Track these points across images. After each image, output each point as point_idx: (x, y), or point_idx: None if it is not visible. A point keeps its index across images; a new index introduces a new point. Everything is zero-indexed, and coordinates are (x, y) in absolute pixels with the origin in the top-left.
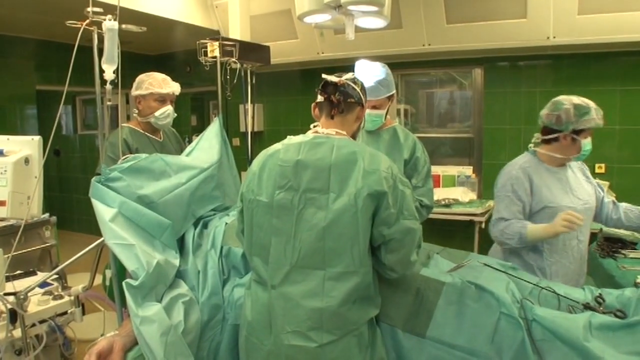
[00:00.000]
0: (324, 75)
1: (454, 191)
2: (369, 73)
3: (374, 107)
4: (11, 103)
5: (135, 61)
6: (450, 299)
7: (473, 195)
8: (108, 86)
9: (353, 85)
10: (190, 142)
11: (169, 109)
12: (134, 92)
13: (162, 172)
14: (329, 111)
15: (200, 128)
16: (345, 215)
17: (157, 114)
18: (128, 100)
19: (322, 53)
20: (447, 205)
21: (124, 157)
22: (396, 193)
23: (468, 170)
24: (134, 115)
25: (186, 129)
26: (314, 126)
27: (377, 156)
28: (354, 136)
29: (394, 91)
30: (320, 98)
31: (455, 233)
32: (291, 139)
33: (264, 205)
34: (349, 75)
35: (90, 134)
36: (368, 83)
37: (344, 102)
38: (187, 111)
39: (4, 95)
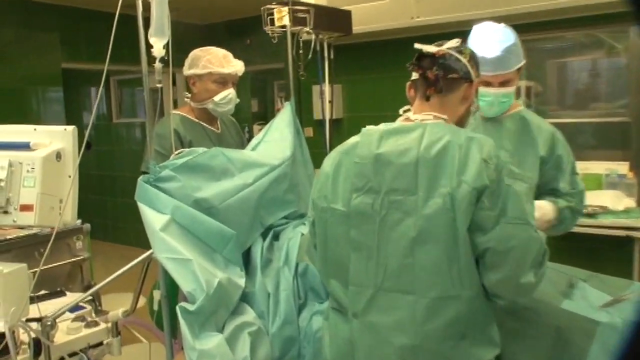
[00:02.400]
0: (417, 45)
1: (602, 196)
2: (494, 39)
3: (502, 84)
4: (32, 84)
5: (181, 32)
6: (606, 345)
7: (630, 202)
8: (158, 64)
9: (457, 55)
10: (250, 132)
11: (230, 92)
12: (188, 70)
13: (223, 170)
14: (424, 91)
15: (262, 115)
16: (439, 221)
17: (216, 98)
18: (175, 81)
19: (418, 17)
20: (591, 215)
21: (177, 151)
22: (499, 188)
23: (622, 168)
24: (186, 99)
25: (245, 116)
26: (404, 111)
27: (476, 141)
28: (460, 123)
29: (524, 61)
30: (415, 75)
31: (605, 253)
32: (370, 130)
33: (340, 215)
34: (453, 42)
35: (127, 122)
36: (493, 52)
37: (444, 78)
38: (247, 94)
39: (24, 75)
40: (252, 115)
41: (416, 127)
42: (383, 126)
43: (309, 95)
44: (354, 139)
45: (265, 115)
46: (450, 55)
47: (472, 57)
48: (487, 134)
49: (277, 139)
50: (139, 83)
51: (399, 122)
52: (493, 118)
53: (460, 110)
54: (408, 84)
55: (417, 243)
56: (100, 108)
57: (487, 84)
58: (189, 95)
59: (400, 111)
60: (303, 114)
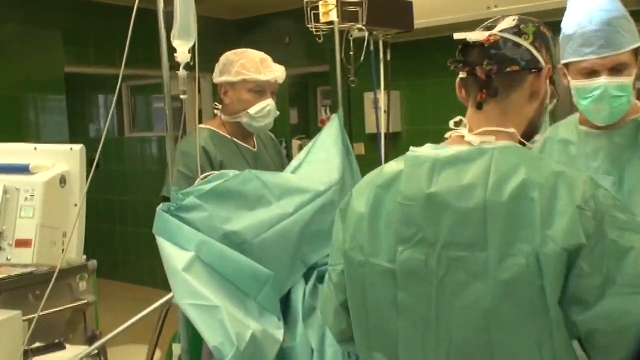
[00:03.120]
0: (458, 36)
1: None
2: (596, 6)
3: (613, 71)
4: (29, 91)
5: (209, 29)
6: None
7: None
8: (182, 72)
9: (515, 39)
10: (288, 149)
11: (269, 104)
12: (219, 77)
13: (259, 197)
14: (476, 95)
15: (302, 128)
16: (521, 290)
17: (251, 111)
18: (200, 89)
19: (496, 7)
20: None
21: (205, 174)
22: (602, 245)
23: None
24: (216, 111)
25: (283, 129)
26: (456, 123)
27: (564, 178)
28: (532, 129)
29: None
30: (462, 72)
31: None
32: (417, 153)
33: (383, 272)
34: (508, 21)
35: (142, 136)
36: (596, 23)
37: (500, 73)
38: (284, 103)
39: (20, 80)
40: (291, 128)
41: (477, 154)
42: (432, 150)
43: (361, 104)
44: (394, 168)
45: (307, 129)
46: (505, 41)
47: (539, 36)
48: (581, 153)
49: (322, 160)
50: (156, 90)
51: (453, 147)
52: (597, 130)
53: (529, 112)
54: (458, 81)
55: (493, 317)
56: (110, 119)
57: (590, 73)
58: (219, 106)
59: (451, 123)
60: (353, 127)
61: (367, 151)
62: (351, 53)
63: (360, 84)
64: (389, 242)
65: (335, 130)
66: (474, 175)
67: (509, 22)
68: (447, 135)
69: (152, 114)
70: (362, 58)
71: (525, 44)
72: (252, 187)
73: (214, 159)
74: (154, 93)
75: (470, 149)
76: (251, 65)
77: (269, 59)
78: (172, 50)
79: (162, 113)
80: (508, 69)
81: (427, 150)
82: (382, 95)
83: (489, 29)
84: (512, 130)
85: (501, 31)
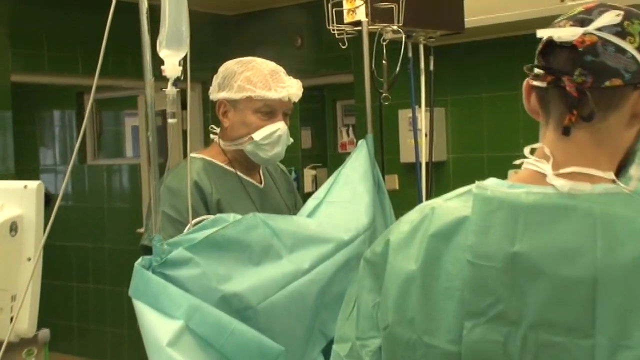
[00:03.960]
0: (541, 32)
1: None
2: None
3: None
4: None
5: (199, 27)
6: None
7: None
8: (171, 89)
9: (617, 41)
10: (298, 181)
11: (280, 128)
12: (217, 93)
13: (266, 249)
14: (560, 116)
15: (318, 154)
16: None
17: (258, 136)
18: (185, 104)
19: (572, 0)
20: None
21: (198, 219)
22: None
23: None
24: (212, 136)
25: (292, 155)
26: (532, 150)
27: None
28: (628, 159)
29: None
30: (538, 82)
31: None
32: (487, 192)
33: (442, 356)
34: (609, 16)
35: (110, 164)
36: None
37: (596, 88)
38: (294, 121)
39: None
40: (302, 154)
41: (573, 203)
42: (504, 189)
43: (394, 125)
44: (454, 210)
45: (323, 155)
46: (605, 43)
47: None
48: None
49: (347, 199)
50: (128, 104)
51: (532, 187)
52: None
53: (626, 140)
54: (526, 86)
55: None
56: (66, 142)
57: None
58: (216, 129)
59: (526, 151)
60: (385, 153)
61: (402, 186)
62: (384, 61)
63: (393, 99)
64: (451, 315)
65: (363, 161)
66: (575, 234)
67: (611, 17)
68: (518, 162)
69: (122, 134)
70: (398, 67)
71: (630, 48)
72: (257, 235)
73: (209, 197)
74: (125, 107)
75: (560, 195)
76: (258, 78)
77: (281, 70)
78: (156, 59)
79: (136, 133)
80: (607, 83)
81: (499, 188)
82: (422, 114)
83: (582, 23)
84: (611, 175)
85: (599, 29)
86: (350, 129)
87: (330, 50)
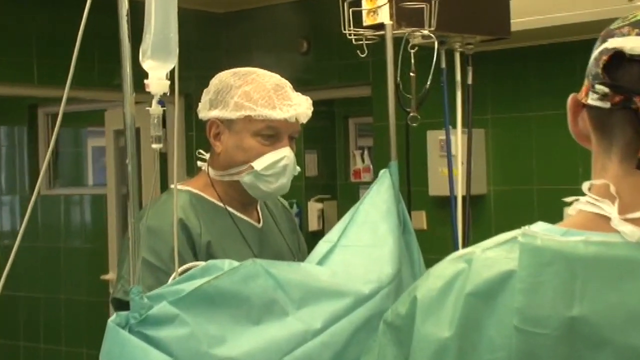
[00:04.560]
0: (614, 43)
1: None
2: None
3: None
4: None
5: (185, 26)
6: None
7: None
8: (155, 108)
9: None
10: (301, 217)
11: (286, 155)
12: (208, 111)
13: (269, 304)
14: (628, 146)
15: (326, 184)
16: None
17: (258, 165)
18: (164, 122)
19: None
20: None
21: (185, 267)
22: None
23: None
24: (199, 163)
25: (295, 183)
26: (590, 188)
27: None
28: None
29: None
30: (600, 101)
31: None
32: (536, 241)
33: None
34: None
35: (69, 194)
36: None
37: None
38: (297, 143)
39: None
40: (306, 183)
41: None
42: (557, 237)
43: (421, 149)
44: (496, 263)
45: (332, 185)
46: None
47: None
48: None
49: (367, 243)
50: (92, 120)
51: (593, 234)
52: None
53: None
54: (572, 102)
55: None
56: (14, 165)
57: None
58: (205, 155)
59: (585, 187)
60: (412, 184)
61: (431, 225)
62: (411, 73)
63: (422, 117)
64: None
65: (386, 195)
66: None
67: None
68: (569, 200)
69: (83, 157)
70: (429, 80)
71: None
72: (258, 287)
73: (198, 239)
74: (87, 124)
75: (628, 245)
76: (260, 94)
77: (287, 85)
78: (135, 68)
79: (100, 156)
80: None
81: (549, 236)
82: (457, 137)
83: None
84: None
85: None
86: (366, 153)
87: (344, 57)
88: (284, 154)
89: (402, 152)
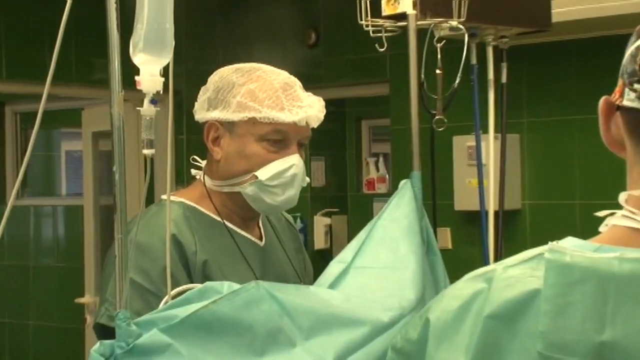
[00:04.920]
0: None
1: None
2: None
3: None
4: None
5: (176, 16)
6: None
7: None
8: (147, 108)
9: None
10: (305, 232)
11: (295, 164)
12: (206, 112)
13: (273, 332)
14: None
15: (335, 196)
16: None
17: (263, 174)
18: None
19: None
20: None
21: (178, 290)
22: None
23: None
24: (194, 172)
25: (301, 194)
26: (627, 199)
27: None
28: None
29: None
30: (638, 102)
31: None
32: (565, 258)
33: None
34: None
35: (39, 205)
36: None
37: None
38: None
39: None
40: (313, 194)
41: None
42: (589, 253)
43: (447, 158)
44: (519, 282)
45: (342, 197)
46: None
47: None
48: None
49: (385, 264)
50: (67, 120)
51: (628, 250)
52: None
53: None
54: (605, 105)
55: None
56: None
57: None
58: (201, 163)
59: (621, 199)
60: (437, 197)
61: (456, 244)
62: (437, 70)
63: (447, 120)
64: None
65: (407, 209)
66: None
67: None
68: (602, 214)
69: (56, 163)
70: (458, 78)
71: None
72: (261, 313)
73: (192, 257)
74: (61, 125)
75: None
76: (267, 93)
77: (296, 84)
78: (126, 63)
79: (75, 162)
80: None
81: (580, 252)
82: (489, 143)
83: None
84: None
85: None
86: (381, 160)
87: (358, 50)
88: (293, 162)
89: (426, 161)
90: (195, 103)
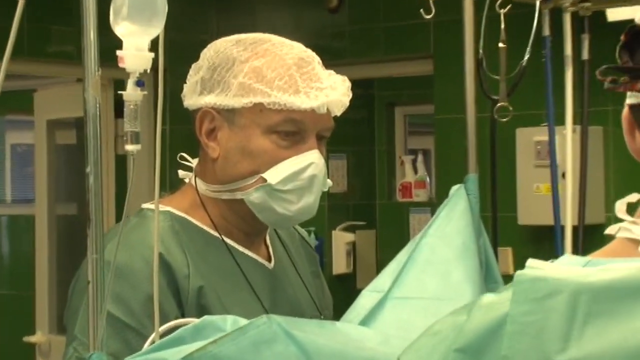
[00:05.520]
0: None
1: None
2: None
3: None
4: None
5: None
6: None
7: None
8: (132, 92)
9: None
10: (322, 251)
11: (314, 162)
12: (198, 97)
13: None
14: None
15: (360, 205)
16: None
17: (274, 176)
18: (121, 111)
19: None
20: None
21: (169, 324)
22: None
23: None
24: (182, 175)
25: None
26: (637, 204)
27: None
28: None
29: None
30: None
31: None
32: (537, 272)
33: None
34: None
35: None
36: None
37: None
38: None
39: None
40: (331, 202)
41: None
42: (577, 269)
43: (508, 154)
44: (499, 302)
45: (368, 206)
46: None
47: None
48: None
49: (434, 294)
50: (15, 104)
51: (624, 263)
52: None
53: None
54: (625, 115)
55: None
56: None
57: None
58: (192, 162)
59: (619, 209)
60: (500, 205)
61: (520, 268)
62: (500, 44)
63: (512, 109)
64: None
65: (461, 224)
66: None
67: None
68: (610, 231)
69: (0, 161)
70: (527, 53)
71: None
72: (275, 356)
73: (183, 283)
74: (5, 111)
75: None
76: (277, 72)
77: (314, 59)
78: (107, 36)
79: (24, 159)
80: None
81: (566, 268)
82: (567, 138)
83: None
84: None
85: None
86: (420, 159)
87: (392, 16)
88: (311, 160)
89: (484, 161)
90: (184, 85)
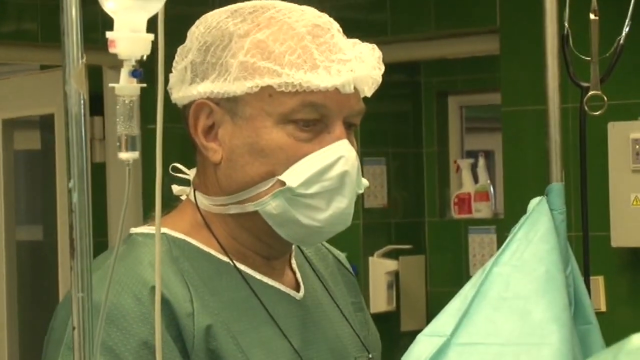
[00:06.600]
0: None
1: None
2: None
3: None
4: None
5: None
6: None
7: None
8: (126, 82)
9: None
10: (359, 280)
11: (343, 155)
12: (189, 87)
13: None
14: None
15: (403, 224)
16: None
17: (294, 179)
18: (101, 109)
19: None
20: None
21: None
22: None
23: None
24: (178, 189)
25: None
26: None
27: None
28: None
29: None
30: None
31: None
32: None
33: None
34: None
35: None
36: None
37: None
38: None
39: None
40: (366, 218)
41: None
42: None
43: (599, 156)
44: None
45: (415, 225)
46: None
47: None
48: None
49: (510, 339)
50: None
51: None
52: None
53: None
54: None
55: None
56: None
57: None
58: (188, 173)
59: None
60: (587, 229)
61: (613, 301)
62: (592, 16)
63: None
64: None
65: (544, 248)
66: None
67: None
68: None
69: None
70: (626, 31)
71: None
72: None
73: (187, 322)
74: None
75: None
76: (286, 44)
77: (333, 25)
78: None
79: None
80: None
81: None
82: None
83: None
84: None
85: None
86: (482, 163)
87: None
88: (340, 154)
89: (570, 166)
90: (170, 75)
